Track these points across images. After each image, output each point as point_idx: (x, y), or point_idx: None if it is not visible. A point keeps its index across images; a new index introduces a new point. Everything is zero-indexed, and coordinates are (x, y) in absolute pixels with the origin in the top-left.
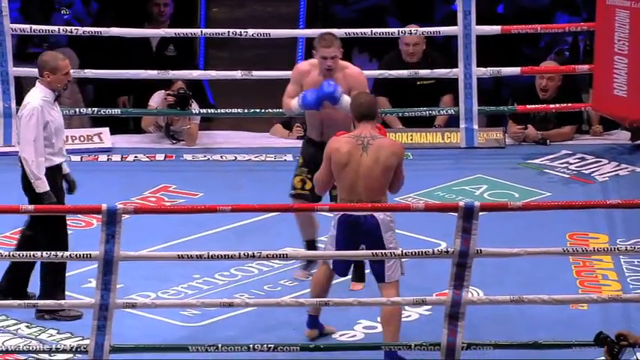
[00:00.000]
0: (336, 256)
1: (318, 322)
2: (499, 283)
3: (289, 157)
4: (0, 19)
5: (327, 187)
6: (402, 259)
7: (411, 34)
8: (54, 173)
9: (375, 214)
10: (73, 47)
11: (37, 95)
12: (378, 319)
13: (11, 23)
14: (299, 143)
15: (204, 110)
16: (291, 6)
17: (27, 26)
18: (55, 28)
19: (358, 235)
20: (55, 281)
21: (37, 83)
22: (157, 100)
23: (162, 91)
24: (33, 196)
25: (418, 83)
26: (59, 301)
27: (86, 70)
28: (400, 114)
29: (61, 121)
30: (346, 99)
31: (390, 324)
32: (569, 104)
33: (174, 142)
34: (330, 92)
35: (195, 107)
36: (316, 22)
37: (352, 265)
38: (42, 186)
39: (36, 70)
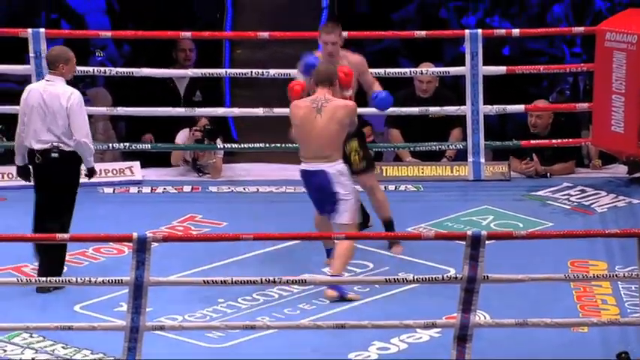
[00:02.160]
0: (349, 282)
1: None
2: (505, 308)
3: None
4: (39, 61)
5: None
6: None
7: (422, 73)
8: None
9: (326, 168)
10: (106, 87)
11: (65, 84)
12: (391, 340)
13: None
14: None
15: (229, 145)
16: (309, 48)
17: None
18: (90, 68)
19: (312, 185)
20: (59, 258)
21: (53, 76)
22: (182, 138)
23: (187, 129)
24: (69, 181)
25: (430, 116)
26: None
27: (118, 108)
28: (412, 148)
29: None
30: (381, 94)
31: (342, 256)
32: (570, 139)
33: (201, 174)
34: (312, 62)
35: (219, 142)
36: None
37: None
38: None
39: None
